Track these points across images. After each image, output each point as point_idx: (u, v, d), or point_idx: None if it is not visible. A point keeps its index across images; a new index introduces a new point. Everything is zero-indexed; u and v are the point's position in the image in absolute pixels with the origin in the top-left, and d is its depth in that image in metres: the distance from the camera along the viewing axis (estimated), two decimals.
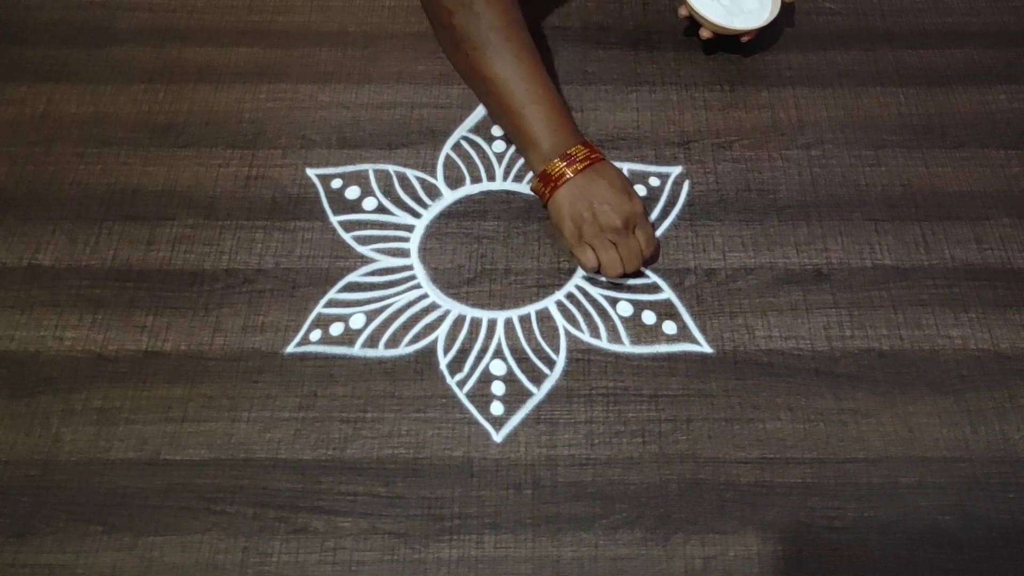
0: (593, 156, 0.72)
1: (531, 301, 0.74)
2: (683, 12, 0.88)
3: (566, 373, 0.71)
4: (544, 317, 0.74)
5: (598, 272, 0.73)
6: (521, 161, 0.82)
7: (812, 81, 0.88)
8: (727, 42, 0.88)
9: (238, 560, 0.63)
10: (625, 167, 0.82)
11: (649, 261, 0.75)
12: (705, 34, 0.86)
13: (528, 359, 0.71)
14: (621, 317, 0.74)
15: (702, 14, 0.85)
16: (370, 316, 0.73)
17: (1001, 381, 0.70)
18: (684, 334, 0.73)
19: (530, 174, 0.81)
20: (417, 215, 0.79)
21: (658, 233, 0.78)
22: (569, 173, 0.71)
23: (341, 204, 0.80)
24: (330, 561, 0.63)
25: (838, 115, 0.86)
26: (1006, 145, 0.83)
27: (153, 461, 0.67)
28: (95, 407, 0.69)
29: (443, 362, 0.71)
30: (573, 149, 0.72)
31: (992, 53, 0.90)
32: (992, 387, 0.70)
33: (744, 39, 0.87)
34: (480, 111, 0.86)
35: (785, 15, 0.90)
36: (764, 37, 0.90)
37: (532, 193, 0.78)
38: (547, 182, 0.72)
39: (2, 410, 0.69)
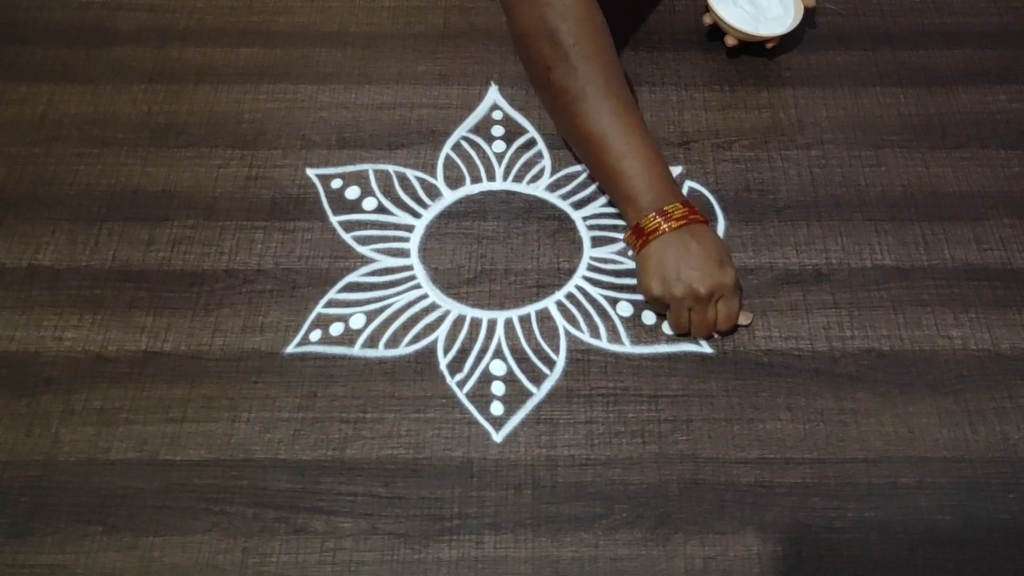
0: (692, 216, 0.69)
1: (531, 301, 0.74)
2: (708, 20, 0.88)
3: (566, 373, 0.71)
4: (544, 317, 0.74)
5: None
6: (521, 161, 0.82)
7: (812, 81, 0.88)
8: (752, 47, 0.89)
9: (238, 560, 0.63)
10: None
11: (722, 333, 0.72)
12: (731, 41, 0.86)
13: (528, 359, 0.71)
14: (621, 317, 0.74)
15: (728, 22, 0.85)
16: (370, 316, 0.73)
17: (1001, 381, 0.70)
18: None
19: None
20: (417, 215, 0.79)
21: None
22: (664, 228, 0.68)
23: (341, 204, 0.80)
24: (330, 561, 0.63)
25: (838, 115, 0.86)
26: (1006, 145, 0.83)
27: (153, 461, 0.67)
28: (95, 407, 0.69)
29: (443, 362, 0.71)
30: (671, 207, 0.69)
31: (992, 53, 0.90)
32: (992, 387, 0.70)
33: (769, 45, 0.87)
34: (480, 111, 0.86)
35: (807, 18, 0.90)
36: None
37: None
38: (639, 235, 0.69)
39: (2, 410, 0.69)
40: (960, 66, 0.89)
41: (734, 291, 0.69)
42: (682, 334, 0.71)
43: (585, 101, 0.71)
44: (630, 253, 0.74)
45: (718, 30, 0.88)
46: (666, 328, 0.73)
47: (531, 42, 0.71)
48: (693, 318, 0.69)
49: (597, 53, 0.71)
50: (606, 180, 0.73)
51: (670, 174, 0.72)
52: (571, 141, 0.76)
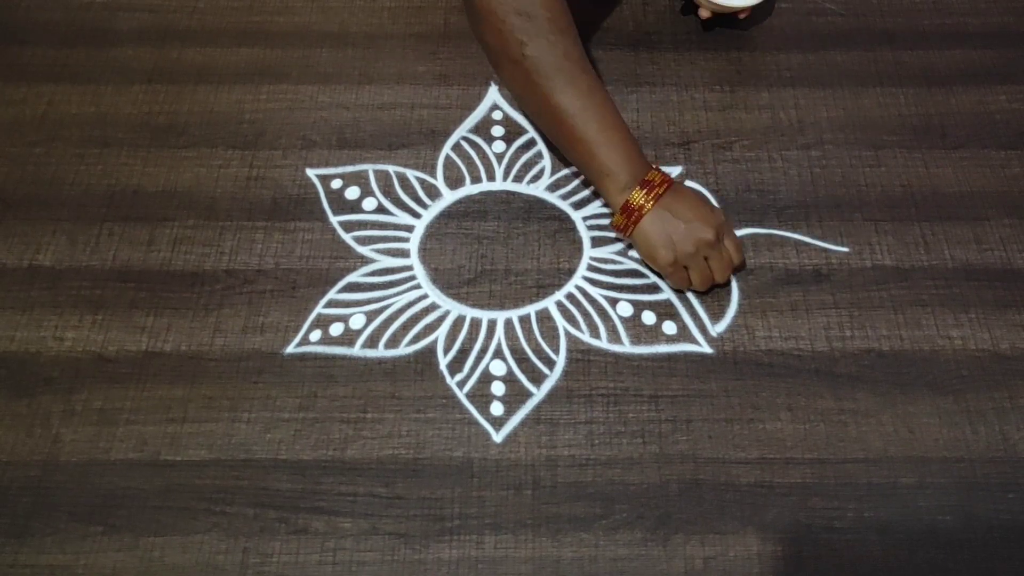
0: (667, 179, 0.71)
1: (531, 301, 0.74)
2: None
3: (566, 373, 0.71)
4: (544, 317, 0.74)
5: (688, 288, 0.74)
6: (521, 161, 0.82)
7: (812, 81, 0.88)
8: (725, 19, 0.90)
9: (238, 561, 0.63)
10: None
11: (737, 268, 0.74)
12: (704, 14, 0.88)
13: (528, 359, 0.71)
14: (621, 317, 0.74)
15: None
16: (370, 316, 0.74)
17: (1001, 381, 0.70)
18: (684, 334, 0.73)
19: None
20: (417, 215, 0.79)
21: None
22: (651, 202, 0.70)
23: (341, 204, 0.80)
24: (330, 562, 0.63)
25: (838, 115, 0.86)
26: (1005, 145, 0.83)
27: (153, 462, 0.67)
28: (95, 407, 0.69)
29: (443, 362, 0.71)
30: (650, 175, 0.71)
31: (992, 53, 0.90)
32: (992, 387, 0.70)
33: (741, 16, 0.88)
34: (480, 111, 0.86)
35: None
36: (764, 37, 0.90)
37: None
38: (630, 214, 0.70)
39: (2, 410, 0.69)
40: (960, 66, 0.89)
41: (729, 226, 0.73)
42: (707, 288, 0.73)
43: (561, 76, 0.70)
44: (623, 236, 0.74)
45: (692, 3, 0.89)
46: (667, 328, 0.73)
47: (502, 16, 0.70)
48: (712, 265, 0.71)
49: (570, 25, 0.71)
50: (582, 157, 0.72)
51: (639, 147, 0.73)
52: (541, 118, 0.74)
